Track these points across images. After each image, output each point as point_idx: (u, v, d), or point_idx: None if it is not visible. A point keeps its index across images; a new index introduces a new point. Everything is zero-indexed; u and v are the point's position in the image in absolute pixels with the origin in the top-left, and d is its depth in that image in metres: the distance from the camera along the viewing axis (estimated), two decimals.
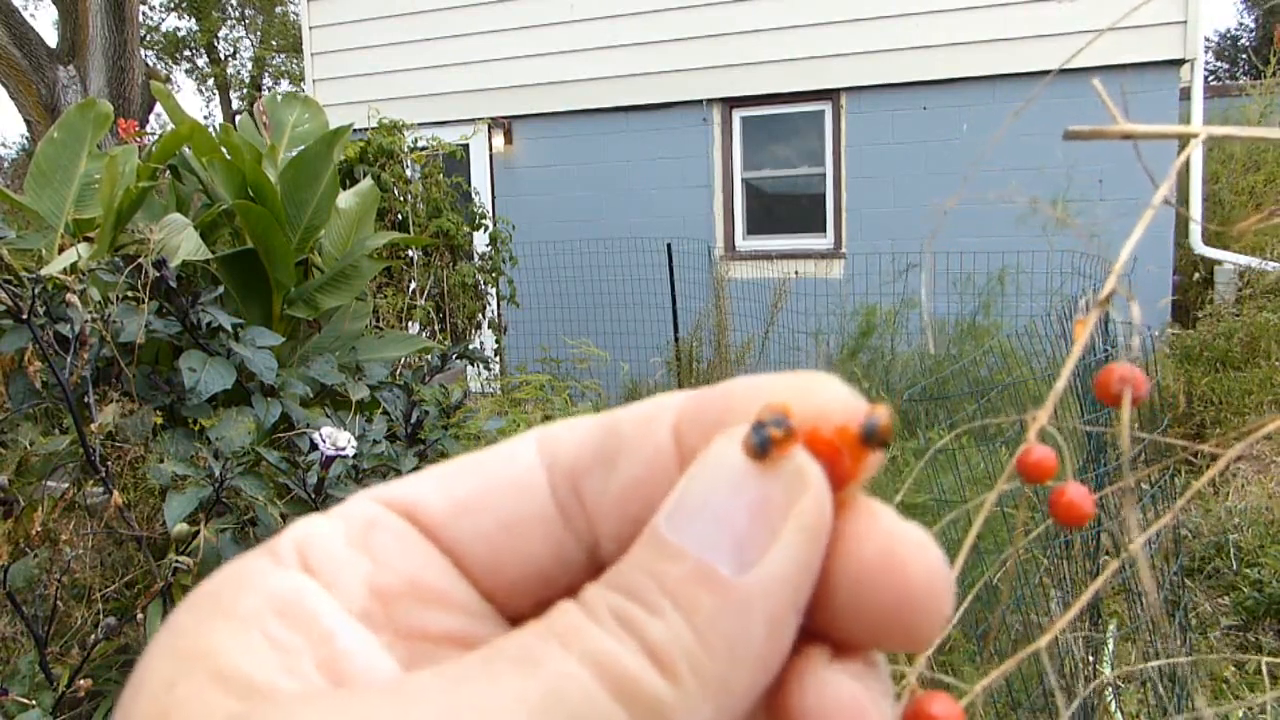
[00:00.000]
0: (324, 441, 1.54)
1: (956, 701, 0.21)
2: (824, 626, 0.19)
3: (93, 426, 1.53)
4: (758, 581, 0.17)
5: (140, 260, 1.78)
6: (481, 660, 0.16)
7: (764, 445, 0.17)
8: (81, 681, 1.31)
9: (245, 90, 22.13)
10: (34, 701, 1.29)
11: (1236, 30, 22.50)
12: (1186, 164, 5.79)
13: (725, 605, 0.16)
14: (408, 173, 5.54)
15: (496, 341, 6.33)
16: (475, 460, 0.21)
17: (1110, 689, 2.10)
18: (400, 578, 0.20)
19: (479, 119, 6.90)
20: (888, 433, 0.18)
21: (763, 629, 0.17)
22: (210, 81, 22.42)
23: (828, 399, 0.19)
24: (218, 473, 1.51)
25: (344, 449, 1.54)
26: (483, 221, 5.81)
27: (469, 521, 0.20)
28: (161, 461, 1.60)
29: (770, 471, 0.17)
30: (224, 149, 2.42)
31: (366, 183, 2.85)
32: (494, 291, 6.07)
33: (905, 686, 0.22)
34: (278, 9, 21.20)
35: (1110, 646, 2.34)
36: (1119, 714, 2.03)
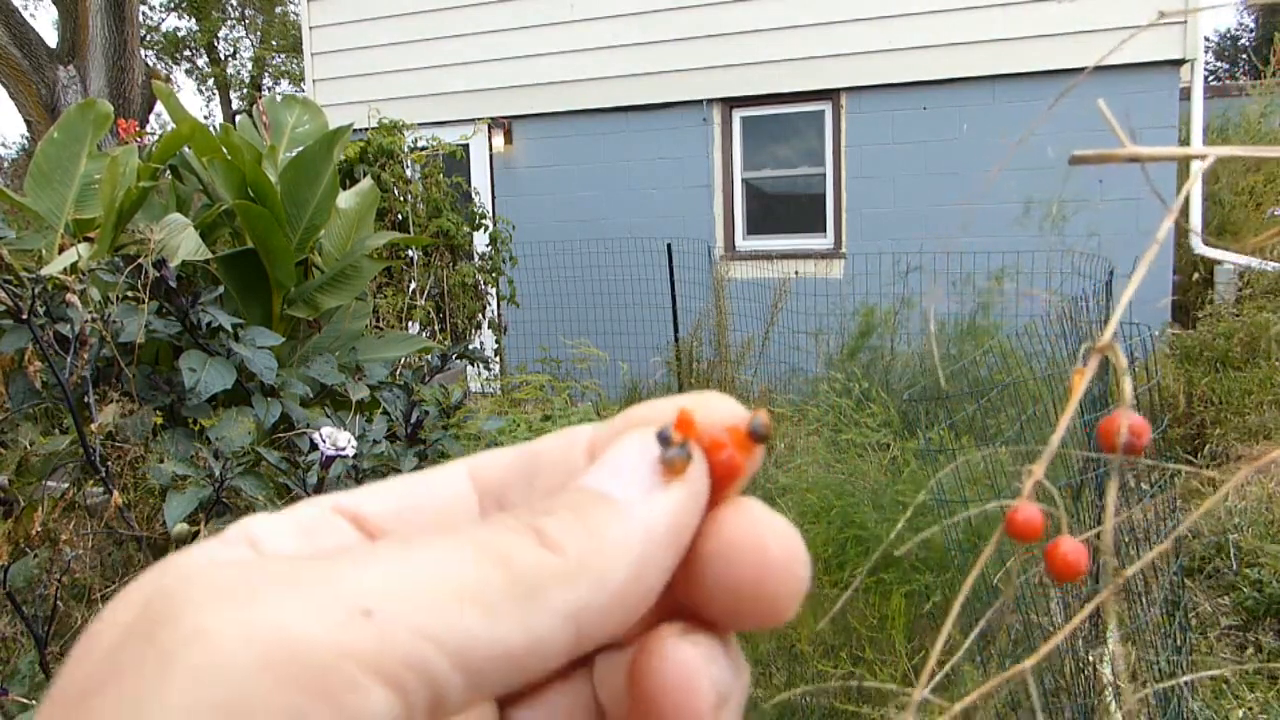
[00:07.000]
0: (324, 441, 1.54)
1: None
2: (696, 605, 0.21)
3: (93, 426, 1.53)
4: (646, 511, 0.20)
5: (140, 260, 1.78)
6: (371, 548, 0.18)
7: (678, 458, 0.21)
8: None
9: (245, 90, 22.12)
10: (34, 701, 1.29)
11: (1236, 30, 22.51)
12: (1188, 163, 5.78)
13: (615, 517, 0.20)
14: (408, 173, 5.54)
15: (496, 341, 6.32)
16: (413, 478, 0.24)
17: (1110, 689, 2.10)
18: None
19: (479, 119, 6.90)
20: (769, 429, 0.22)
21: (640, 547, 0.19)
22: (210, 81, 22.41)
23: (720, 409, 0.22)
24: (218, 473, 1.51)
25: (344, 449, 1.54)
26: (483, 221, 5.81)
27: (405, 525, 0.23)
28: (161, 461, 1.60)
29: (674, 476, 0.21)
30: (224, 149, 2.42)
31: (366, 183, 2.85)
32: (494, 291, 6.07)
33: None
34: (278, 9, 21.19)
35: (1110, 646, 2.34)
36: (1119, 714, 2.03)
